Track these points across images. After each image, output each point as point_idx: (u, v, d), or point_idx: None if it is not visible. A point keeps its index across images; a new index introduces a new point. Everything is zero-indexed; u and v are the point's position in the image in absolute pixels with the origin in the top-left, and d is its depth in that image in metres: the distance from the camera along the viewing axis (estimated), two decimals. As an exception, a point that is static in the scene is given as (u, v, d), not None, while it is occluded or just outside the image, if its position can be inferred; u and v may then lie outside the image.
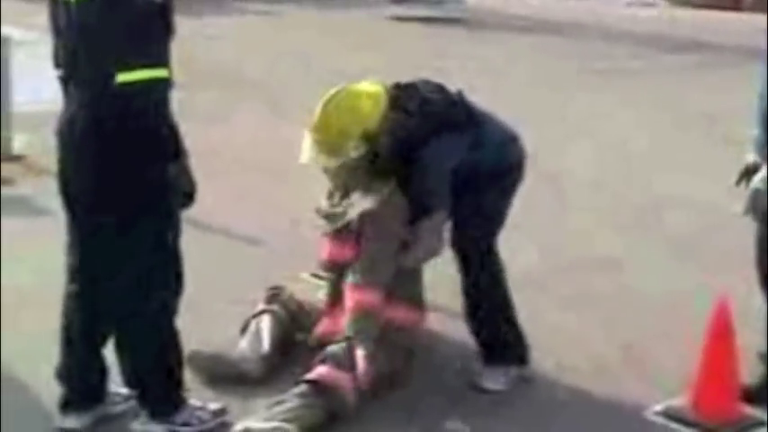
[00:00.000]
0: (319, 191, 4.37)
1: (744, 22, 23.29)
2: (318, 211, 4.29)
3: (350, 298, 4.04)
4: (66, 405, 3.72)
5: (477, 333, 4.24)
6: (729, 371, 3.86)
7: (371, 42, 15.86)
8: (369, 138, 3.97)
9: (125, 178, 3.37)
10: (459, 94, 4.19)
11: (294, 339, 4.35)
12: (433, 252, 4.16)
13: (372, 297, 4.01)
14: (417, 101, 4.06)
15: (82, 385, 3.72)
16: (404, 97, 4.07)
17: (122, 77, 3.24)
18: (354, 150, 3.98)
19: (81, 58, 3.38)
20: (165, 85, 3.35)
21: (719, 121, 10.35)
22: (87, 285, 3.60)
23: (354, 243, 4.09)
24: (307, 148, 4.07)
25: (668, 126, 10.09)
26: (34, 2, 15.62)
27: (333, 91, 4.07)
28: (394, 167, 4.07)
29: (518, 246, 5.59)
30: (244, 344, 4.23)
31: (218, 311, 4.62)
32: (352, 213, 4.08)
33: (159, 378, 3.65)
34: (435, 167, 3.99)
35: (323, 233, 4.28)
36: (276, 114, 9.03)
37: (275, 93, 10.67)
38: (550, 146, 8.32)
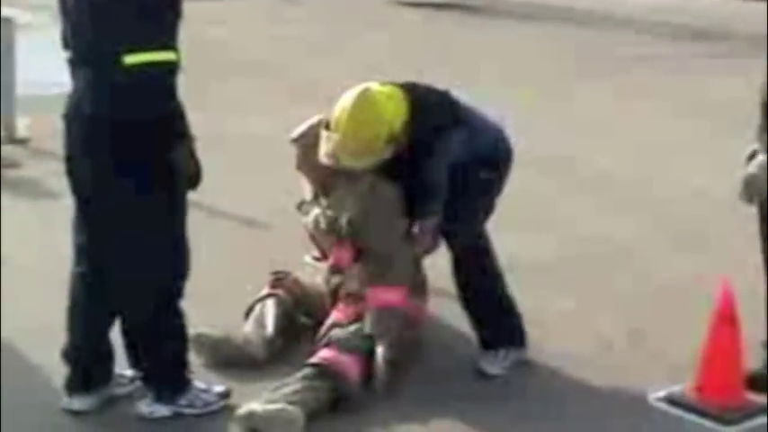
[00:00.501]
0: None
1: (750, 10, 23.19)
2: (302, 209, 4.32)
3: (371, 295, 4.04)
4: (72, 386, 3.74)
5: (473, 320, 4.26)
6: (733, 357, 3.86)
7: (373, 27, 15.82)
8: (395, 139, 3.97)
9: (131, 160, 3.36)
10: (447, 93, 4.20)
11: (298, 323, 4.36)
12: (431, 250, 4.21)
13: (397, 296, 4.02)
14: (422, 102, 4.07)
15: (88, 366, 3.73)
16: (414, 98, 4.06)
17: (130, 59, 3.24)
18: (386, 151, 3.97)
19: (88, 38, 3.37)
20: (172, 67, 3.34)
21: (727, 110, 10.33)
22: (94, 267, 3.61)
23: (350, 246, 4.11)
24: (326, 149, 4.00)
25: (674, 115, 10.05)
26: (38, -16, 15.50)
27: (351, 93, 4.00)
28: (386, 166, 4.08)
29: (526, 233, 5.61)
30: (248, 327, 4.25)
31: (222, 294, 4.63)
32: (342, 218, 4.08)
33: (164, 360, 3.66)
34: (437, 163, 4.03)
35: (309, 232, 4.33)
36: (282, 97, 9.02)
37: (281, 76, 10.65)
38: (557, 135, 8.31)
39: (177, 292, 3.62)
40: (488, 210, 4.24)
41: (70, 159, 3.54)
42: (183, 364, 3.71)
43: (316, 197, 4.30)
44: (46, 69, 7.06)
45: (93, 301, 3.65)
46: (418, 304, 4.26)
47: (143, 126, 3.33)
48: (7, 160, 6.93)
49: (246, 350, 4.12)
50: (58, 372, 3.80)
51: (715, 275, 4.68)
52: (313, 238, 4.39)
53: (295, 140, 4.20)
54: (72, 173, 3.55)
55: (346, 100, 3.98)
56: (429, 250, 4.23)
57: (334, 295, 4.27)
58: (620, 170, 7.66)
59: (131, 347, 3.70)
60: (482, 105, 4.36)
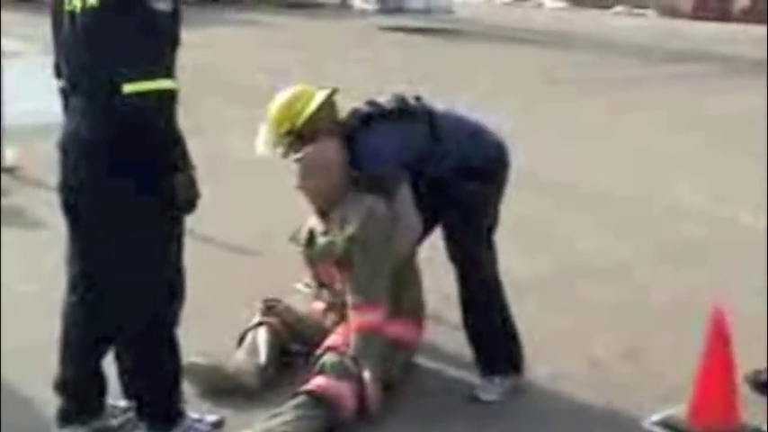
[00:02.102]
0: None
1: (733, 32, 23.40)
2: (295, 240, 4.32)
3: (353, 318, 4.02)
4: (64, 417, 3.69)
5: (474, 343, 4.24)
6: (727, 380, 3.84)
7: (357, 52, 15.87)
8: (297, 133, 4.11)
9: (129, 190, 3.34)
10: (418, 98, 4.26)
11: (291, 351, 4.33)
12: (416, 227, 4.14)
13: (375, 316, 4.00)
14: (369, 108, 4.19)
15: (80, 397, 3.69)
16: (363, 109, 4.19)
17: (128, 88, 3.20)
18: (284, 142, 4.14)
19: (85, 67, 3.35)
20: (171, 96, 3.30)
21: (712, 128, 10.40)
22: (88, 295, 3.58)
23: (338, 265, 4.10)
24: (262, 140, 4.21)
25: (659, 134, 10.12)
26: (21, 12, 15.58)
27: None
28: (364, 180, 4.11)
29: (519, 252, 5.61)
30: (240, 356, 4.22)
31: (214, 322, 4.60)
32: (340, 236, 4.07)
33: (158, 390, 3.62)
34: (372, 153, 4.06)
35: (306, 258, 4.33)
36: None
37: (266, 101, 10.67)
38: (547, 155, 8.35)
39: (172, 320, 3.59)
40: (489, 223, 4.18)
41: (66, 188, 3.49)
42: (176, 394, 3.67)
43: (322, 215, 4.24)
44: (34, 98, 7.06)
45: (87, 330, 3.61)
46: (413, 327, 4.24)
47: (141, 155, 3.30)
48: (-2, 189, 6.92)
49: (239, 379, 4.10)
50: (48, 402, 3.76)
51: (712, 295, 4.69)
52: (311, 263, 4.33)
53: (298, 160, 4.16)
54: (67, 201, 3.50)
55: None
56: (412, 231, 4.14)
57: (337, 319, 4.24)
58: (616, 188, 7.70)
59: (125, 376, 3.66)
60: (481, 113, 4.38)
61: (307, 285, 4.59)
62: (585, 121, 10.73)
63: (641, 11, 28.35)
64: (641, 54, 17.51)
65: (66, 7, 3.39)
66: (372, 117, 4.15)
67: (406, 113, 4.16)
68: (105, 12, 3.27)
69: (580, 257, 5.98)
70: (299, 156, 4.13)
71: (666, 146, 9.51)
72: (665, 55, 17.66)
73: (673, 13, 27.51)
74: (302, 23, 20.90)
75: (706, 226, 6.71)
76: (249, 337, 4.28)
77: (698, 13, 27.52)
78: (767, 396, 4.07)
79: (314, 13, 23.96)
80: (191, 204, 3.46)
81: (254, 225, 6.13)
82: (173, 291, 3.55)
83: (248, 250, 5.80)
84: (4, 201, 6.80)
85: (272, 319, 4.31)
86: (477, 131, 4.23)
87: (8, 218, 6.37)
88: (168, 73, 3.28)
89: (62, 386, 3.69)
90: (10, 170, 7.46)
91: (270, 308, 4.37)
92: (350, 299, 4.04)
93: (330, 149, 4.11)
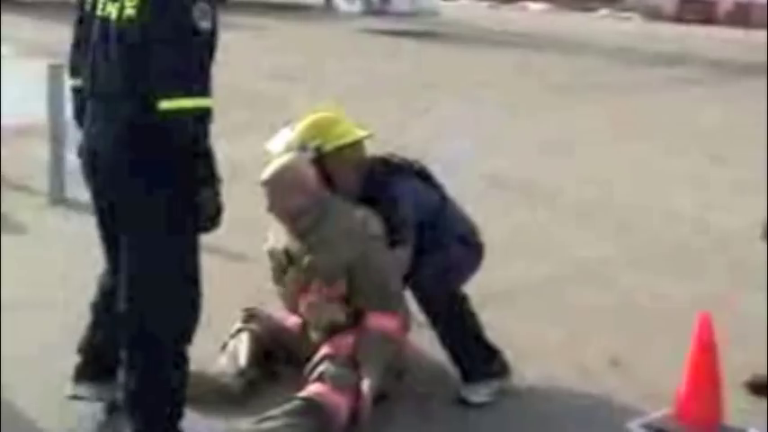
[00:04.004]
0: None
1: (717, 35, 23.49)
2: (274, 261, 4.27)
3: (371, 321, 3.98)
4: (80, 375, 3.76)
5: (452, 355, 4.26)
6: (712, 385, 3.85)
7: (344, 55, 15.87)
8: (321, 154, 4.10)
9: (159, 203, 3.31)
10: (417, 162, 4.35)
11: (273, 357, 4.30)
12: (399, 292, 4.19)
13: (394, 324, 4.00)
14: (390, 159, 4.29)
15: (97, 360, 3.74)
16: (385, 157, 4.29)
17: (166, 104, 3.14)
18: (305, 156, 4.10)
19: (118, 78, 3.28)
20: (206, 114, 3.24)
21: (696, 134, 10.44)
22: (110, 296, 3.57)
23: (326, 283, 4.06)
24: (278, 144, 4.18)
25: (641, 138, 10.15)
26: (8, 14, 15.46)
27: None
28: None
29: (506, 259, 5.60)
30: (223, 361, 4.20)
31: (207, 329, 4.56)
32: (324, 259, 4.02)
33: (159, 404, 3.50)
34: (404, 200, 4.11)
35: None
36: (261, 127, 8.98)
37: (264, 105, 10.63)
38: (529, 161, 8.34)
39: (187, 335, 3.51)
40: (458, 278, 4.24)
41: (98, 197, 3.49)
42: (177, 412, 3.56)
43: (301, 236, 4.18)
44: (13, 102, 7.01)
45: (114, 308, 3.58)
46: (402, 333, 4.22)
47: (173, 169, 3.26)
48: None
49: (221, 382, 4.07)
50: (33, 404, 3.70)
51: (699, 302, 4.70)
52: (291, 283, 4.24)
53: (266, 183, 4.07)
54: (101, 209, 3.50)
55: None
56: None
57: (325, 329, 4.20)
58: (605, 195, 7.71)
59: (129, 386, 3.52)
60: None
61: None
62: (572, 125, 10.74)
63: (626, 14, 28.44)
64: (626, 57, 17.56)
65: (99, 13, 3.33)
66: (393, 168, 4.22)
67: (422, 175, 4.28)
68: (145, 25, 3.20)
69: (569, 264, 5.98)
70: (264, 178, 4.06)
71: (654, 152, 9.53)
72: (651, 58, 17.72)
73: (657, 16, 27.60)
74: (288, 26, 20.91)
75: (695, 233, 6.72)
76: (231, 344, 4.25)
77: (682, 17, 27.62)
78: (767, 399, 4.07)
79: (299, 15, 23.98)
80: (214, 219, 3.40)
81: (243, 230, 6.07)
82: (194, 304, 3.49)
83: (236, 256, 5.75)
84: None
85: (254, 326, 4.29)
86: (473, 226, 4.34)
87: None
88: (205, 91, 3.22)
89: (85, 347, 3.75)
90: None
91: (251, 315, 4.35)
92: (366, 305, 4.01)
93: (301, 166, 4.06)
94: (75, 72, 3.55)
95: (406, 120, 10.16)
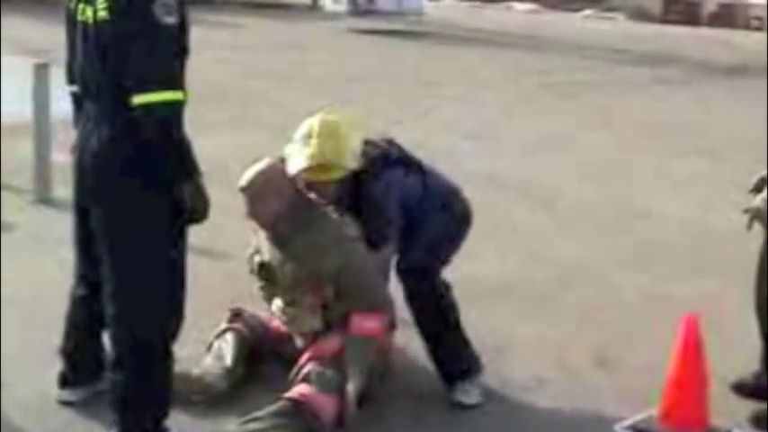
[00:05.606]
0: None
1: (702, 36, 23.58)
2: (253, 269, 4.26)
3: (354, 324, 3.96)
4: (64, 381, 3.85)
5: (435, 356, 4.25)
6: (698, 385, 3.86)
7: (330, 55, 15.85)
8: (354, 155, 4.07)
9: (138, 198, 3.37)
10: (392, 141, 4.32)
11: (259, 357, 4.30)
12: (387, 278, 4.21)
13: (377, 324, 3.98)
14: (374, 143, 4.23)
15: (79, 364, 3.85)
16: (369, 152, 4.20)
17: (139, 99, 3.24)
18: (349, 164, 4.04)
19: (96, 77, 3.40)
20: (180, 106, 3.34)
21: (677, 133, 10.48)
22: (93, 293, 3.64)
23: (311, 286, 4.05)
24: (302, 162, 4.03)
25: (627, 138, 10.19)
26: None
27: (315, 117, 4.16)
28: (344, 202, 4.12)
29: (491, 257, 5.61)
30: (208, 360, 4.19)
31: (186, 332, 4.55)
32: (305, 266, 4.01)
33: (146, 402, 3.52)
34: (388, 199, 4.09)
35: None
36: (243, 125, 8.97)
37: (244, 104, 10.60)
38: (515, 159, 8.35)
39: (172, 334, 3.55)
40: (444, 255, 4.23)
41: (78, 192, 3.56)
42: (163, 410, 3.57)
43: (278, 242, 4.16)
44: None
45: (91, 312, 3.70)
46: (387, 334, 4.22)
47: (151, 163, 3.32)
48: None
49: (206, 380, 4.06)
50: (19, 406, 3.68)
51: (689, 303, 4.71)
52: (277, 289, 4.23)
53: (244, 189, 4.03)
54: (79, 203, 3.58)
55: (313, 120, 4.12)
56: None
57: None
58: (589, 193, 7.72)
59: (116, 387, 3.53)
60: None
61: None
62: (554, 124, 10.77)
63: (610, 14, 28.53)
64: (610, 57, 17.61)
65: (80, 17, 3.44)
66: (376, 161, 4.15)
67: (403, 161, 4.23)
68: (114, 24, 3.31)
69: (563, 264, 5.98)
70: (242, 184, 4.04)
71: (635, 149, 9.56)
72: (635, 58, 17.78)
73: (642, 16, 27.70)
74: (273, 25, 20.87)
75: (684, 232, 6.74)
76: (217, 344, 4.24)
77: (667, 17, 27.72)
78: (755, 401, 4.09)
79: (284, 14, 23.94)
80: (200, 212, 3.44)
81: (227, 229, 6.06)
82: (178, 303, 3.53)
83: (219, 254, 5.74)
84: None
85: (239, 326, 4.28)
86: (453, 189, 4.32)
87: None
88: (176, 84, 3.32)
89: (65, 353, 3.86)
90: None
91: (237, 315, 4.34)
92: (352, 307, 3.98)
93: (276, 172, 4.03)
94: (71, 79, 3.62)
95: (394, 117, 10.15)
